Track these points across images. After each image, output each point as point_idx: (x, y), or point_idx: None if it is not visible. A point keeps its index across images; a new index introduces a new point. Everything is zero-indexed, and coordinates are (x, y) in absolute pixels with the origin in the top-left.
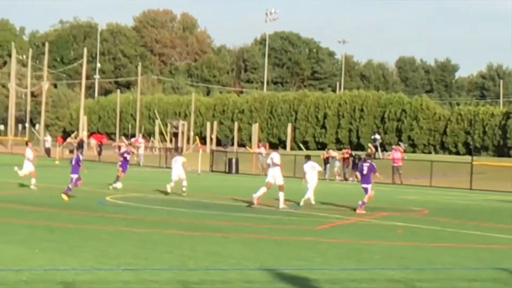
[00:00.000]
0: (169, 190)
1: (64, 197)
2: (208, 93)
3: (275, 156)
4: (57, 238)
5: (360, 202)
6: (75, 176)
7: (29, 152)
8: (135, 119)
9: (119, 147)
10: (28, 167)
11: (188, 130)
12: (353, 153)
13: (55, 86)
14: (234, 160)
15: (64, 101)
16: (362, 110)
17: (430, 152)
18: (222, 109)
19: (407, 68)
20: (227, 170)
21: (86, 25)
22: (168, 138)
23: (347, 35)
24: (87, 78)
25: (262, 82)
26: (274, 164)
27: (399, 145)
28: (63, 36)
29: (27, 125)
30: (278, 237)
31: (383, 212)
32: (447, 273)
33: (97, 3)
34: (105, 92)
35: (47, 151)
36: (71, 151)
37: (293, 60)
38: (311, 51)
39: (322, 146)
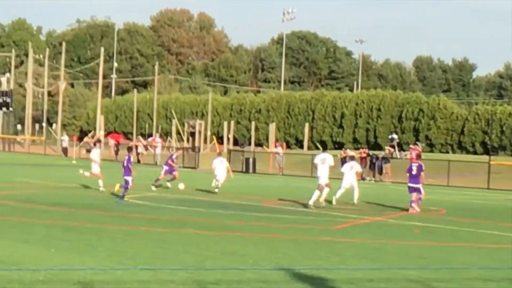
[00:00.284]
0: (216, 189)
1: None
2: (225, 92)
3: (328, 156)
4: (74, 238)
5: (412, 204)
6: (129, 178)
7: (96, 153)
8: (152, 119)
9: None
10: (95, 169)
11: (205, 129)
12: (371, 152)
13: (72, 85)
14: (251, 160)
15: (81, 101)
16: (379, 109)
17: (447, 152)
18: (239, 109)
19: (425, 67)
20: (244, 170)
21: (103, 25)
22: (185, 138)
23: (364, 34)
24: (104, 77)
25: (279, 82)
26: (327, 165)
27: (416, 144)
28: (80, 36)
29: (44, 124)
30: (294, 237)
31: (401, 212)
32: (464, 273)
33: (114, 2)
34: (122, 92)
35: (64, 150)
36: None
37: (310, 59)
38: (328, 50)
39: (339, 146)
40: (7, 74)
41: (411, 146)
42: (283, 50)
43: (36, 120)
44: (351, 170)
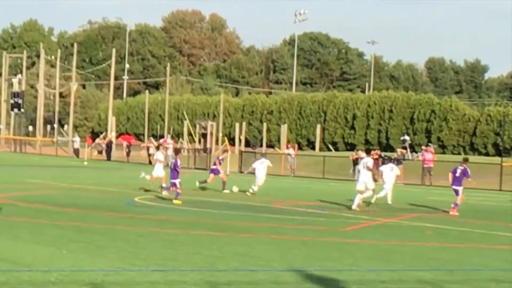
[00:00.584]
0: (256, 190)
1: (177, 201)
2: (237, 94)
3: (369, 161)
4: (85, 239)
5: (452, 205)
6: (177, 180)
7: (160, 155)
8: (163, 120)
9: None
10: (159, 171)
11: (217, 131)
12: (382, 154)
13: (84, 86)
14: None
15: (92, 102)
16: (391, 111)
17: (459, 153)
18: (251, 110)
19: (437, 68)
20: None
21: (115, 26)
22: (196, 139)
23: (376, 35)
24: (116, 78)
25: (291, 83)
26: (368, 169)
27: (429, 146)
28: (91, 37)
29: (55, 125)
30: (306, 238)
31: (412, 213)
32: (476, 274)
33: (125, 3)
34: (134, 93)
35: (76, 151)
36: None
37: (322, 60)
38: (340, 51)
39: (351, 147)
40: (19, 75)
41: (423, 147)
42: (295, 51)
43: (48, 121)
44: (391, 172)
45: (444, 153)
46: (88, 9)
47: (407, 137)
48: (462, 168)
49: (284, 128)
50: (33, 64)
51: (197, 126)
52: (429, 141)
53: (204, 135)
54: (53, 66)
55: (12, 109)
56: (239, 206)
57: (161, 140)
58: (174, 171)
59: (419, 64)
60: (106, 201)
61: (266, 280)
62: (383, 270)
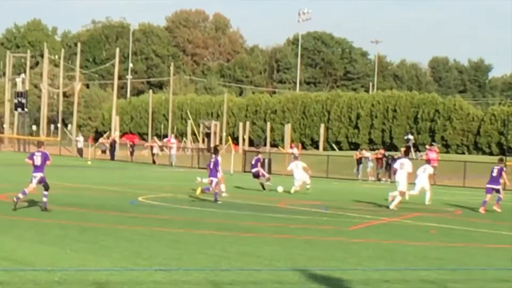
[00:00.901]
0: (292, 191)
1: (199, 192)
2: (240, 93)
3: (407, 162)
4: (89, 239)
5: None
6: (215, 179)
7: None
8: (167, 119)
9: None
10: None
11: (221, 130)
12: (386, 153)
13: (87, 86)
14: (266, 161)
15: (96, 102)
16: (395, 110)
17: (463, 153)
18: (254, 110)
19: (440, 68)
20: None
21: (118, 25)
22: (200, 139)
23: (380, 35)
24: (119, 78)
25: (295, 82)
26: (405, 171)
27: (432, 145)
28: (95, 36)
29: (59, 125)
30: (310, 238)
31: (416, 213)
32: (480, 274)
33: (129, 3)
34: (137, 92)
35: (79, 151)
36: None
37: (326, 60)
38: (344, 51)
39: (355, 147)
40: (23, 75)
41: (427, 147)
42: (298, 50)
43: (51, 121)
44: (424, 172)
45: (448, 152)
46: (91, 8)
47: (411, 137)
48: (498, 168)
49: (287, 128)
50: (37, 63)
51: (201, 125)
52: (433, 141)
53: (207, 135)
54: (56, 65)
55: (15, 109)
56: (243, 205)
57: (165, 140)
58: (213, 169)
59: (423, 63)
60: (110, 201)
61: (270, 279)
62: (387, 269)
